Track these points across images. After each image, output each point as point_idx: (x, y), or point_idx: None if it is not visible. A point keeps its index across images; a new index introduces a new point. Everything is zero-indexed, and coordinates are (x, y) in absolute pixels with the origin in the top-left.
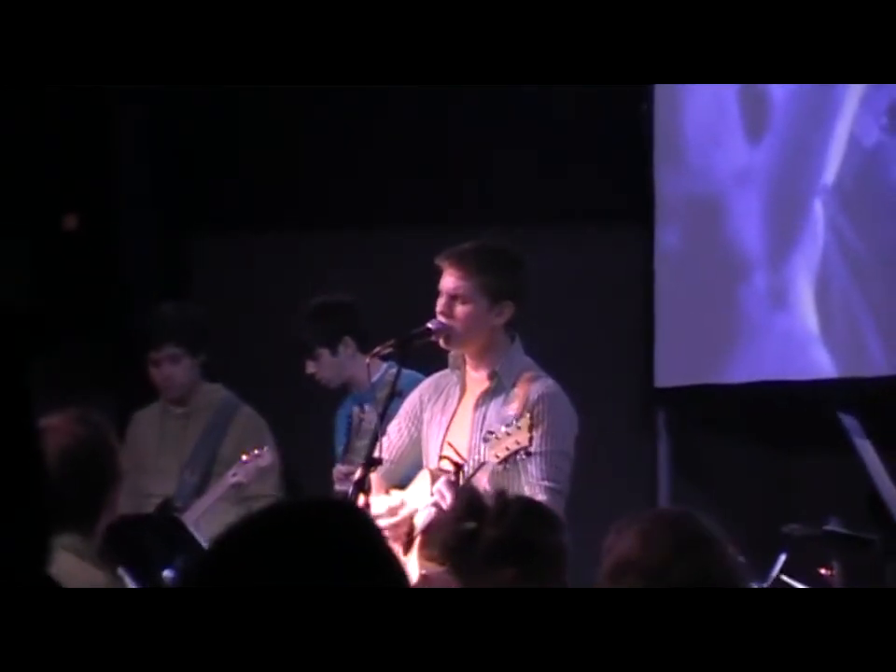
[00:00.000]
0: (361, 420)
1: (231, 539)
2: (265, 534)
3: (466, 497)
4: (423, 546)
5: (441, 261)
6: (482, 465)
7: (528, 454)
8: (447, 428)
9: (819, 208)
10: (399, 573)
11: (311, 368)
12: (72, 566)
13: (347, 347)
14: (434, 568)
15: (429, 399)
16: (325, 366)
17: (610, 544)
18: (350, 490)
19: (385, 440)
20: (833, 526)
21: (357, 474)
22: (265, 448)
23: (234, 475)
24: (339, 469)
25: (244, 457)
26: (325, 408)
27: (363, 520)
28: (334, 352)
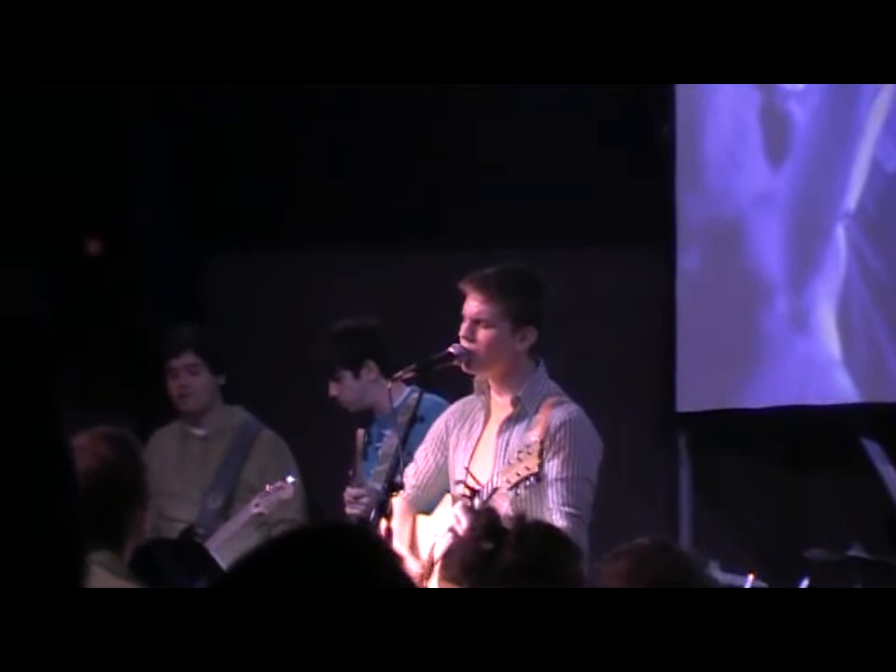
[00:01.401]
0: (369, 443)
1: (248, 566)
2: (282, 560)
3: (485, 518)
4: (442, 569)
5: (464, 286)
6: (494, 490)
7: (539, 479)
8: (472, 454)
9: (840, 232)
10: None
11: (333, 390)
12: (106, 581)
13: (370, 371)
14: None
15: (455, 425)
16: (347, 389)
17: (594, 583)
18: (372, 514)
19: (412, 466)
20: (856, 551)
21: (377, 498)
22: (289, 479)
23: (257, 505)
24: (348, 491)
25: (267, 487)
26: (347, 431)
27: (379, 547)
28: (357, 375)
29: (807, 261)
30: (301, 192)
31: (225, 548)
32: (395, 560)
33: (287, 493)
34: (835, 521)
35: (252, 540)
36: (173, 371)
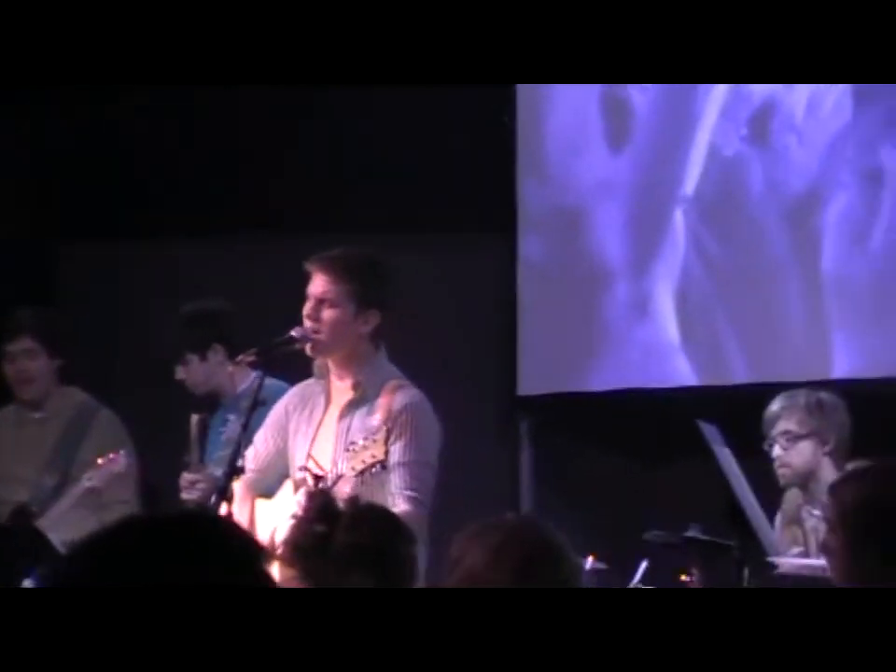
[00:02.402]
0: (211, 428)
1: (89, 553)
2: (126, 546)
3: (319, 501)
4: (280, 554)
5: (310, 266)
6: (339, 477)
7: (385, 467)
8: (313, 439)
9: (679, 218)
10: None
11: (180, 374)
12: None
13: (217, 354)
14: (284, 573)
15: (295, 409)
16: (194, 372)
17: (457, 556)
18: (212, 499)
19: (251, 449)
20: (693, 533)
21: (216, 483)
22: (121, 452)
23: (89, 479)
24: (184, 476)
25: (99, 461)
26: (186, 416)
27: (227, 528)
28: (203, 358)
29: (648, 247)
30: (150, 179)
31: (59, 525)
32: (248, 543)
33: (118, 465)
34: (676, 504)
35: (88, 522)
36: (9, 355)
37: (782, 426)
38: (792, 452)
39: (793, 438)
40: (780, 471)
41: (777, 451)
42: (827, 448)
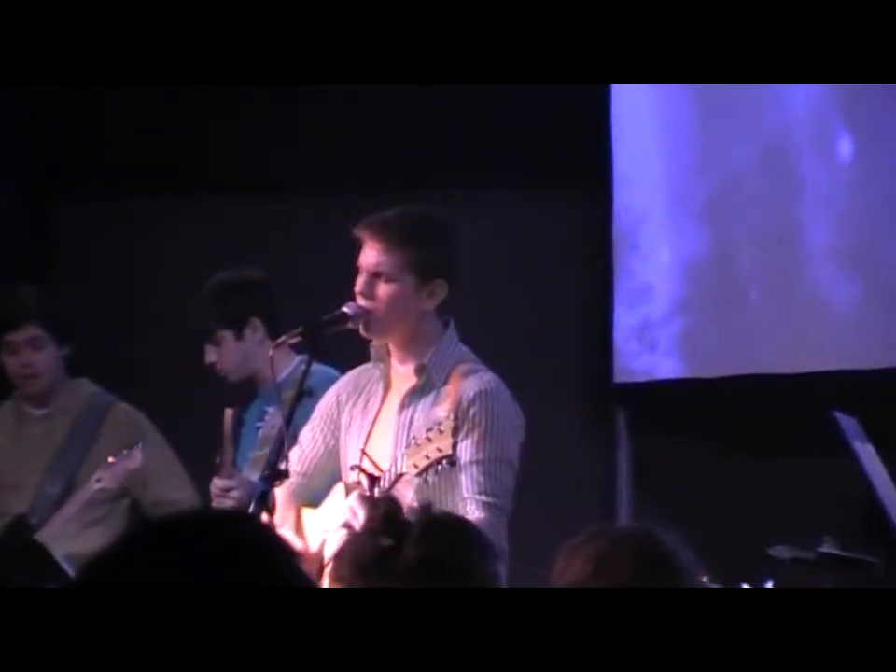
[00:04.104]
0: (246, 424)
1: (115, 561)
2: (160, 548)
3: (384, 509)
4: (333, 570)
5: (360, 232)
6: (399, 477)
7: (453, 463)
8: (368, 434)
9: None
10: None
11: (211, 356)
12: None
13: (255, 331)
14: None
15: (348, 400)
16: (228, 353)
17: (559, 569)
18: (251, 509)
19: (296, 449)
20: (828, 548)
21: (253, 490)
22: (138, 446)
23: (98, 480)
24: (215, 483)
25: (110, 459)
26: (220, 408)
27: (269, 538)
28: (239, 336)
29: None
30: (165, 128)
31: (61, 536)
32: (288, 554)
33: (136, 461)
34: (806, 512)
35: (93, 524)
36: (12, 346)
37: None
38: None
39: None
40: None
41: None
42: None
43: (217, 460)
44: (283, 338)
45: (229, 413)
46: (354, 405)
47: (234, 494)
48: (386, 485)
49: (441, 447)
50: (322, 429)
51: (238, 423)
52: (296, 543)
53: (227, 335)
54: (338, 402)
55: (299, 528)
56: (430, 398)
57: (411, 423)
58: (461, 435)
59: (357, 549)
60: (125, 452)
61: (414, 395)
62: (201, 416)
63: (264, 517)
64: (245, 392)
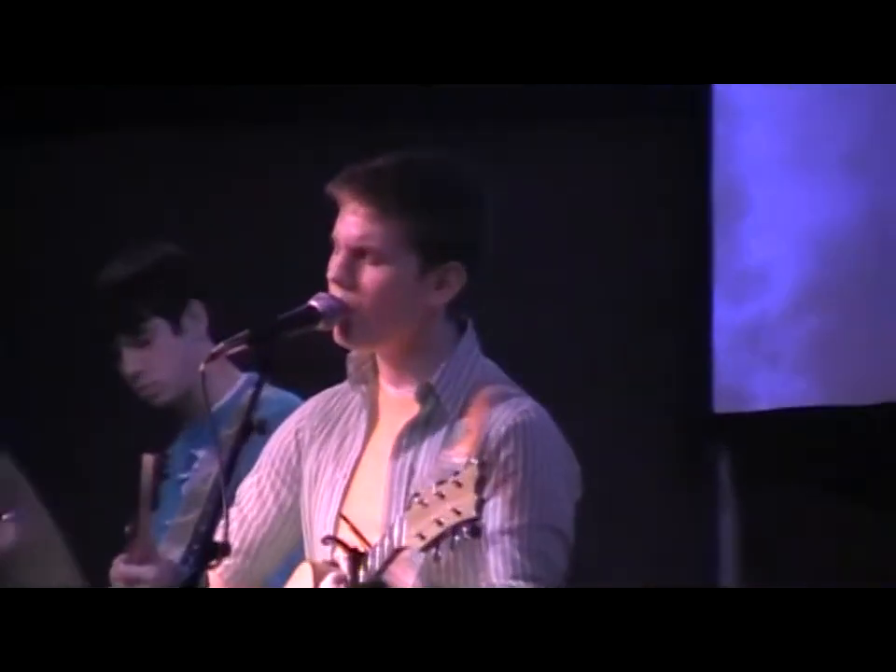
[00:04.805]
0: (166, 475)
1: None
2: None
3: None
4: None
5: (337, 189)
6: (396, 552)
7: (477, 531)
8: (346, 489)
9: None
10: None
11: (132, 364)
12: None
13: (197, 322)
14: None
15: (313, 439)
16: (161, 355)
17: None
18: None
19: (235, 509)
20: None
21: (176, 575)
22: (6, 516)
23: None
24: (119, 570)
25: None
26: (135, 452)
27: None
28: (177, 329)
29: None
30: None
31: None
32: None
33: (7, 536)
34: None
35: None
36: None
37: None
38: None
39: None
40: None
41: None
42: None
43: (127, 529)
44: (221, 345)
45: (148, 459)
46: (322, 446)
47: (149, 578)
48: (377, 566)
49: (460, 508)
50: (273, 483)
51: (161, 475)
52: None
53: (159, 326)
54: (297, 442)
55: None
56: (440, 435)
57: (412, 472)
58: (488, 490)
59: None
60: None
61: (416, 431)
62: (104, 463)
63: None
64: (172, 425)
